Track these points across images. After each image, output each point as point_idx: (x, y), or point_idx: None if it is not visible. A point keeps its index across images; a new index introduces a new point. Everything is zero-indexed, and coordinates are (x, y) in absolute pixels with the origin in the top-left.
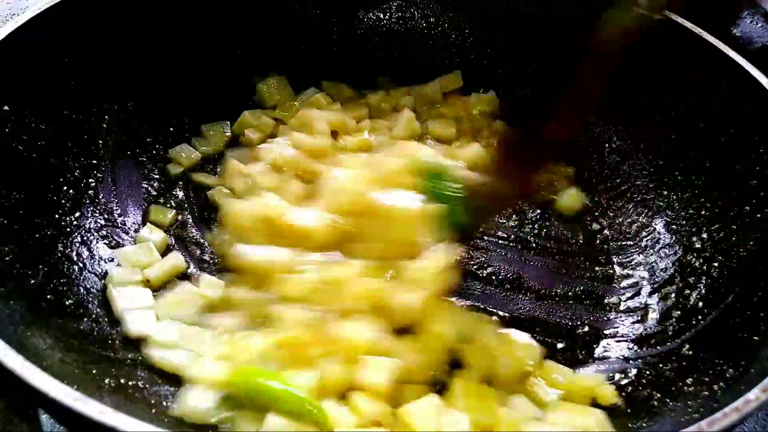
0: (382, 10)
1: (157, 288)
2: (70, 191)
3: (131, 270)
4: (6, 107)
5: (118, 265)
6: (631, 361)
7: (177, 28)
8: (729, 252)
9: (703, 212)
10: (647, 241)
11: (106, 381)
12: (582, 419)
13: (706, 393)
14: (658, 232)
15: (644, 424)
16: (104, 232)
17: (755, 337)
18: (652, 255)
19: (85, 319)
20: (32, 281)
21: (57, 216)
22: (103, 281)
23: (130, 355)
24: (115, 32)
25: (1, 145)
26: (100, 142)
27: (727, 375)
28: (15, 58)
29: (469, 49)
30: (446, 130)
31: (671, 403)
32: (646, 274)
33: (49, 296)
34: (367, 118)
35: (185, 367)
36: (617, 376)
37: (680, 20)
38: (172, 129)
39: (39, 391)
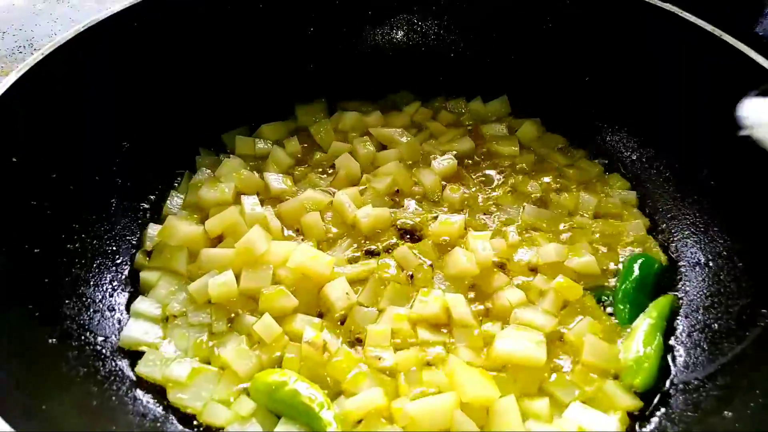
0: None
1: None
2: (86, 237)
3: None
4: (14, 158)
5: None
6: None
7: (175, 64)
8: (762, 270)
9: (733, 228)
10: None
11: None
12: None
13: (749, 427)
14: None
15: None
16: (121, 277)
17: None
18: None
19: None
20: (50, 338)
21: (74, 266)
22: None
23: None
24: (118, 72)
25: (12, 199)
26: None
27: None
28: (21, 105)
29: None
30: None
31: None
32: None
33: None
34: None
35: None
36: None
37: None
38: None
39: None
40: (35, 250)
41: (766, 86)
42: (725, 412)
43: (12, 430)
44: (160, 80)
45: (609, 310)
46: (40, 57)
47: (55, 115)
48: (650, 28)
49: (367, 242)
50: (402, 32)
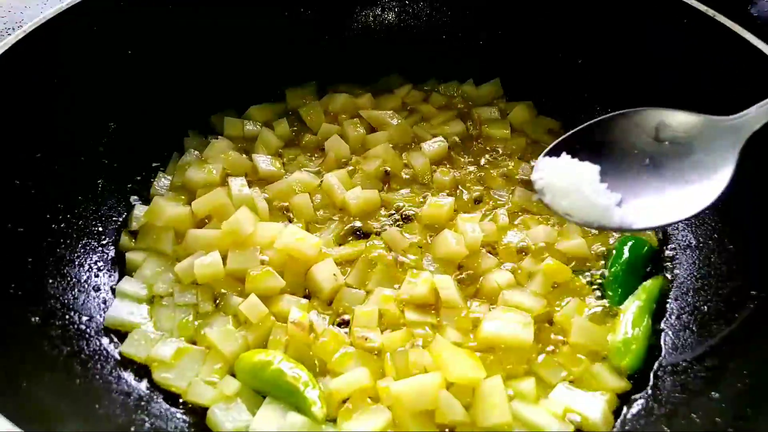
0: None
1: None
2: (71, 218)
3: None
4: None
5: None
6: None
7: (165, 46)
8: (752, 253)
9: (724, 211)
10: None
11: None
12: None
13: (735, 408)
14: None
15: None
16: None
17: None
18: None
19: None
20: (33, 317)
21: (59, 246)
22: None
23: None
24: (107, 51)
25: None
26: (96, 164)
27: (757, 389)
28: (4, 82)
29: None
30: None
31: (696, 419)
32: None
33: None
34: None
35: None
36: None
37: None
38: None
39: None
40: (19, 230)
41: (557, 144)
42: (712, 393)
43: None
44: (148, 61)
45: (598, 293)
46: (23, 35)
47: (39, 93)
48: (644, 10)
49: (356, 224)
50: (393, 14)
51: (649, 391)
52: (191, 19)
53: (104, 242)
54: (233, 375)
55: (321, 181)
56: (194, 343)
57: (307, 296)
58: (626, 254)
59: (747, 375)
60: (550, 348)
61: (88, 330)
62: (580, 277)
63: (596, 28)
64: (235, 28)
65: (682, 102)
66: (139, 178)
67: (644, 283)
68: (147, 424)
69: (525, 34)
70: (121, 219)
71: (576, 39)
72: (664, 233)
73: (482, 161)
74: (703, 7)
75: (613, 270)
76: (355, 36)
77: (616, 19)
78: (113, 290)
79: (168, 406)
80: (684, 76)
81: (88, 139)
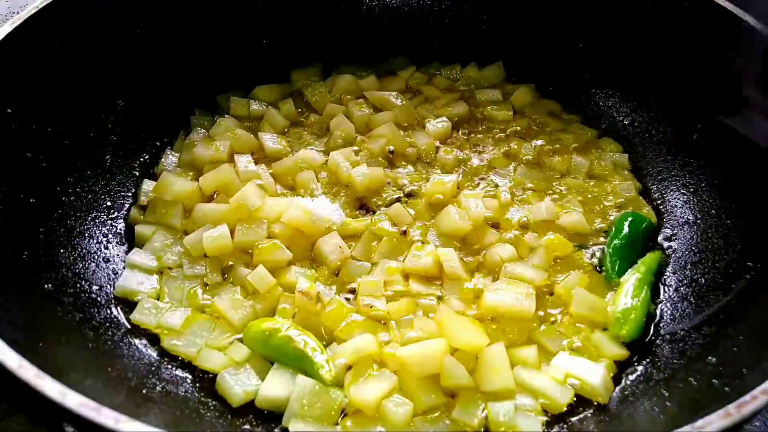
0: None
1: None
2: (81, 191)
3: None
4: (9, 110)
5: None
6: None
7: (173, 26)
8: (748, 227)
9: (721, 187)
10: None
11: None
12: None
13: (731, 370)
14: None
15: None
16: (116, 231)
17: None
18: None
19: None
20: (46, 284)
21: (70, 218)
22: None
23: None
24: (116, 31)
25: (7, 149)
26: (105, 141)
27: (752, 352)
28: (15, 58)
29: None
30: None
31: (694, 382)
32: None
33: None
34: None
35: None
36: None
37: None
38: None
39: (54, 402)
40: (31, 200)
41: None
42: (709, 357)
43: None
44: (157, 41)
45: (599, 267)
46: (35, 10)
47: (50, 71)
48: None
49: (362, 200)
50: None
51: (648, 359)
52: (199, 1)
53: (113, 216)
54: (242, 342)
55: (326, 160)
56: (203, 312)
57: (313, 268)
58: (626, 230)
59: (743, 339)
60: (552, 318)
61: (99, 299)
62: (581, 251)
63: (597, 12)
64: (242, 9)
65: (681, 83)
66: (146, 155)
67: (643, 257)
68: (158, 387)
69: (527, 19)
70: (129, 194)
71: (577, 23)
72: (663, 209)
73: (485, 141)
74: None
75: (613, 245)
76: (360, 19)
77: (615, 3)
78: (123, 262)
79: (178, 371)
80: (683, 59)
81: (97, 115)
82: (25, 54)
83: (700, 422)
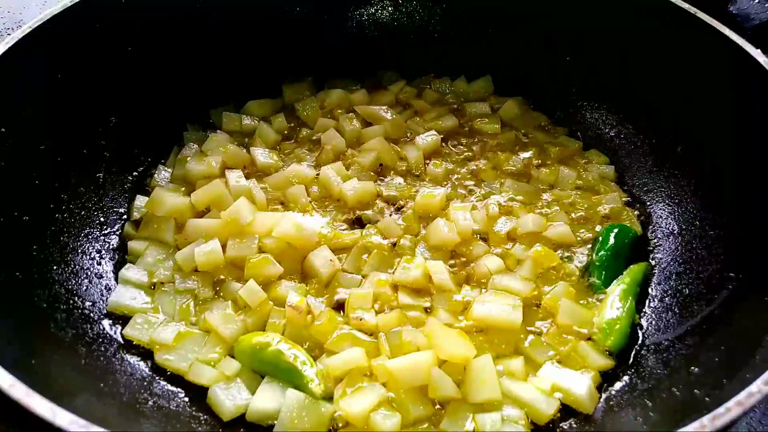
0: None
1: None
2: (74, 208)
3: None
4: (2, 129)
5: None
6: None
7: (165, 43)
8: (732, 238)
9: (705, 199)
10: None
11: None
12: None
13: (712, 380)
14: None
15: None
16: (109, 247)
17: (760, 323)
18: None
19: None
20: (39, 301)
21: (63, 234)
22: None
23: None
24: (109, 48)
25: (1, 167)
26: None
27: (733, 362)
28: (9, 76)
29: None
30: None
31: (677, 392)
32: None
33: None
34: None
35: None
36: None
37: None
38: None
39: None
40: (24, 218)
41: None
42: (692, 368)
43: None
44: (148, 58)
45: (585, 278)
46: (28, 30)
47: (43, 89)
48: (629, 9)
49: (352, 214)
50: (387, 13)
51: (633, 369)
52: (190, 18)
53: (106, 232)
54: (233, 357)
55: (317, 174)
56: (195, 327)
57: (304, 282)
58: (612, 241)
59: (725, 350)
60: (538, 329)
61: (91, 315)
62: (567, 262)
63: (583, 27)
64: (233, 25)
65: (665, 97)
66: (139, 170)
67: (629, 268)
68: (150, 402)
69: (515, 33)
70: (122, 210)
71: (564, 37)
72: (648, 221)
73: (474, 154)
74: (686, 6)
75: (598, 256)
76: (351, 34)
77: (602, 17)
78: (116, 277)
79: (170, 386)
80: (667, 73)
81: (90, 132)
82: (19, 72)
83: None
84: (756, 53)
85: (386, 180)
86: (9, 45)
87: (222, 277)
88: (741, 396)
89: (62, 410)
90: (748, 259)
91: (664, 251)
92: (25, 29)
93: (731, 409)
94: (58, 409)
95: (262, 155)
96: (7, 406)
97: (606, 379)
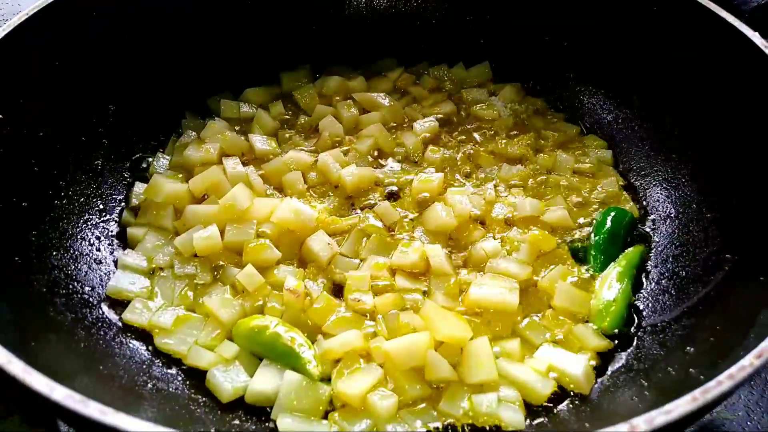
0: None
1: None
2: (73, 195)
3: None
4: (1, 115)
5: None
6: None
7: (163, 30)
8: (728, 220)
9: (702, 182)
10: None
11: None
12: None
13: (707, 359)
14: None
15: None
16: (108, 233)
17: (754, 303)
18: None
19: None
20: (38, 285)
21: (62, 221)
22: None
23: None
24: (106, 36)
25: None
26: (97, 144)
27: (728, 341)
28: (7, 63)
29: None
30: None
31: (672, 372)
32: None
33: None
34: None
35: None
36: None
37: None
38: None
39: (42, 395)
40: (23, 204)
41: None
42: (687, 348)
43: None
44: (147, 46)
45: (582, 261)
46: (25, 17)
47: (40, 75)
48: None
49: (350, 199)
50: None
51: (629, 350)
52: (189, 5)
53: (105, 218)
54: (231, 341)
55: (315, 160)
56: (193, 311)
57: (302, 267)
58: (609, 224)
59: (720, 330)
60: (535, 312)
61: (91, 299)
62: (565, 245)
63: (582, 12)
64: (231, 13)
65: (663, 81)
66: (137, 158)
67: (625, 251)
68: (149, 385)
69: (512, 19)
70: (121, 197)
71: (562, 23)
72: (645, 204)
73: (471, 140)
74: None
75: (596, 239)
76: (348, 20)
77: (599, 2)
78: (115, 263)
79: (169, 369)
80: (664, 56)
81: (89, 119)
82: (17, 60)
83: (668, 406)
84: (753, 36)
85: (385, 164)
86: (6, 31)
87: (221, 262)
88: (733, 369)
89: (60, 386)
90: (743, 241)
91: (661, 234)
92: (21, 16)
93: (723, 382)
94: (55, 385)
95: (260, 142)
96: (10, 389)
97: (604, 360)
